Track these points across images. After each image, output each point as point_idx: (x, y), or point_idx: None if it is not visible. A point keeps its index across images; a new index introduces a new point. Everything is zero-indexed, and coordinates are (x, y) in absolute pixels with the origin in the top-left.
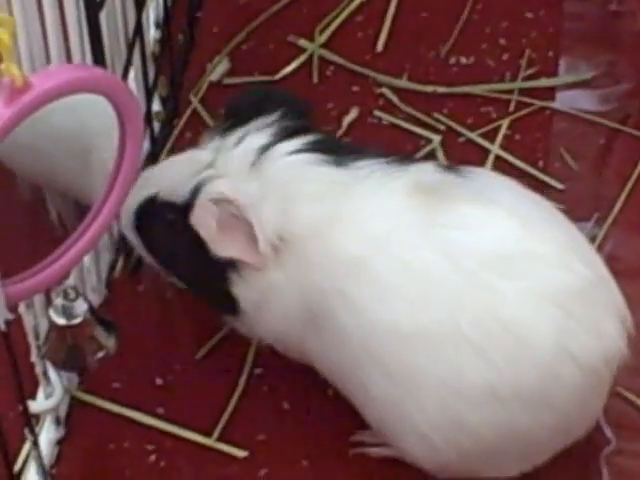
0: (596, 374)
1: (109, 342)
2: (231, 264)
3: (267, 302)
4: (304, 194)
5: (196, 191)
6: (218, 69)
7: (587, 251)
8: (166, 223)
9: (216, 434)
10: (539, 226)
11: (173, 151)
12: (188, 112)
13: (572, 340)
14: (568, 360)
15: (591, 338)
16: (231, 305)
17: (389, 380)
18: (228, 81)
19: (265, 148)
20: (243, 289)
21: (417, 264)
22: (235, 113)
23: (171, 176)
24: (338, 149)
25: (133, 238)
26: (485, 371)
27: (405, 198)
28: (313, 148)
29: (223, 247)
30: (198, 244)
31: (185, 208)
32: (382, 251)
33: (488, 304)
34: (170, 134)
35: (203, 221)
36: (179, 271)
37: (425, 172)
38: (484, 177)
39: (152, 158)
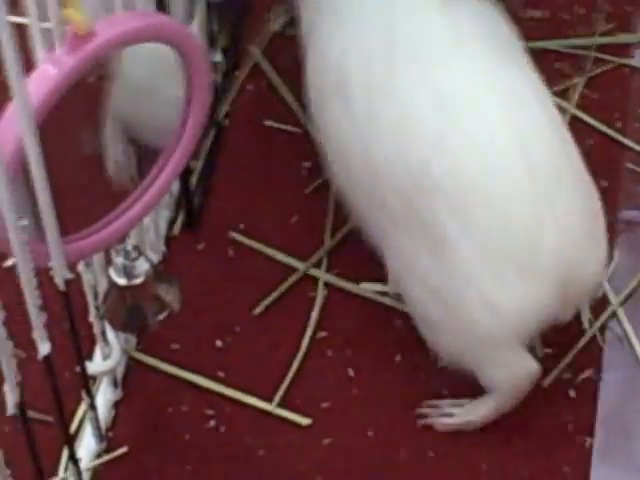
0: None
1: (173, 301)
2: None
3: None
4: None
5: None
6: (280, 19)
7: None
8: None
9: (277, 400)
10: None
11: (234, 104)
12: (250, 63)
13: None
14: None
15: None
16: None
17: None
18: (291, 32)
19: None
20: None
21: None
22: None
23: None
24: None
25: None
26: None
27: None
28: None
29: None
30: None
31: None
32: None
33: None
34: (231, 86)
35: None
36: None
37: None
38: None
39: (212, 111)
